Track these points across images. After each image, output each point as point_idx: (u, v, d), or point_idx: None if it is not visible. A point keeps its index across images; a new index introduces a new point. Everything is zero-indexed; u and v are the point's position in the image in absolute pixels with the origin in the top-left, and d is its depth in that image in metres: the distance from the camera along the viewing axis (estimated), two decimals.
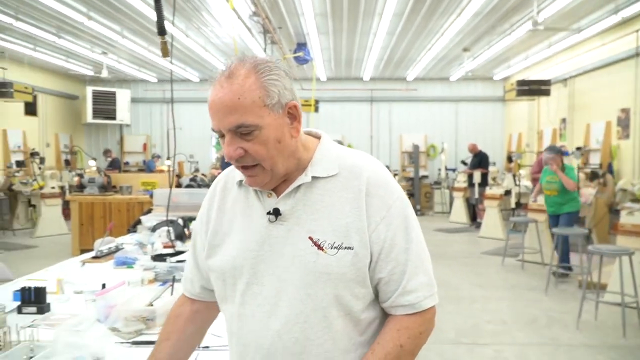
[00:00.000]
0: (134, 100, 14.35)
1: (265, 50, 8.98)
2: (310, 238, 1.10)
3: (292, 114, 1.12)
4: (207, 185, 6.87)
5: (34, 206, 10.33)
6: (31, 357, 1.67)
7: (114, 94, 13.75)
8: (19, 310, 2.38)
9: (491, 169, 11.27)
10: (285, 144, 1.10)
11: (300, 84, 13.36)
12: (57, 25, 8.79)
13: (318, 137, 1.24)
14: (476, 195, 10.73)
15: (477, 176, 10.67)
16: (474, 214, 11.28)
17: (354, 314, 1.13)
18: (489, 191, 9.74)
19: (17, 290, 2.48)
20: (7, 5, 7.57)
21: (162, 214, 4.56)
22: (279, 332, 1.11)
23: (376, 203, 1.12)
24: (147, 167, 13.14)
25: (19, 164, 10.84)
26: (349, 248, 1.09)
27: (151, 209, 5.35)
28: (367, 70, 13.15)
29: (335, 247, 1.09)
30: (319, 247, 1.10)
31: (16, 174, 10.45)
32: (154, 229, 4.05)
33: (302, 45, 9.88)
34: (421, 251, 1.16)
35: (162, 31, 2.46)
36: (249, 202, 1.20)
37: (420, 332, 1.14)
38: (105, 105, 13.63)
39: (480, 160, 11.02)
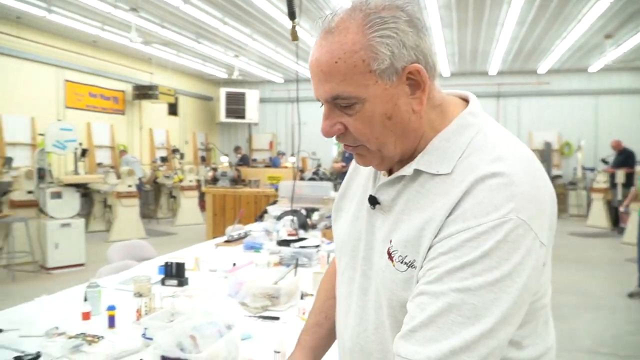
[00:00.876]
0: (262, 100, 15.12)
1: None
2: (390, 241, 0.88)
3: (414, 81, 0.83)
4: (329, 179, 7.04)
5: (174, 197, 11.34)
6: (171, 320, 1.84)
7: (244, 94, 14.61)
8: (163, 282, 2.63)
9: (638, 168, 10.16)
10: (399, 121, 0.84)
11: None
12: (196, 31, 9.55)
13: (465, 102, 0.93)
14: (619, 197, 9.75)
15: (620, 176, 9.69)
16: (616, 218, 10.25)
17: None
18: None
19: (162, 265, 2.74)
20: (154, 14, 8.38)
21: (286, 205, 4.77)
22: (351, 334, 0.98)
23: (467, 207, 0.78)
24: (273, 164, 13.79)
25: (163, 159, 11.96)
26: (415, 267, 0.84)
27: (276, 201, 5.61)
28: (493, 64, 12.54)
29: (405, 263, 0.84)
30: (390, 257, 0.87)
31: (160, 168, 11.55)
32: (279, 218, 4.24)
33: None
34: (484, 297, 0.73)
35: (292, 15, 2.57)
36: (371, 176, 1.00)
37: None
38: (236, 105, 14.54)
39: (625, 158, 10.01)
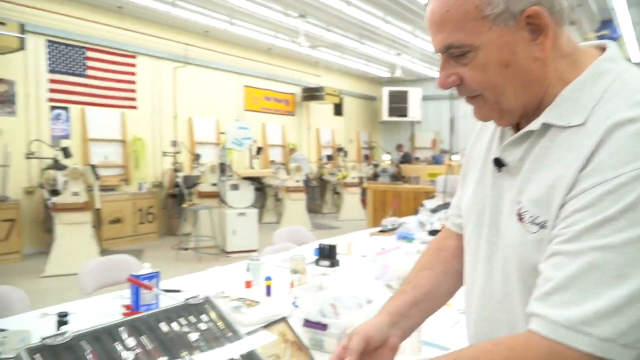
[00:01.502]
0: (424, 98, 14.99)
1: None
2: (519, 202, 0.83)
3: (535, 26, 0.77)
4: None
5: (338, 193, 11.84)
6: (320, 289, 1.98)
7: (406, 93, 14.64)
8: (316, 262, 2.83)
9: None
10: (518, 69, 0.79)
11: None
12: (359, 32, 9.86)
13: (602, 51, 0.84)
14: None
15: None
16: None
17: None
18: None
19: (317, 248, 2.94)
20: (320, 18, 8.87)
21: (443, 200, 4.72)
22: (476, 305, 0.95)
23: (602, 159, 0.71)
24: (435, 162, 13.59)
25: (328, 157, 12.57)
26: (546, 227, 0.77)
27: (434, 196, 5.57)
28: None
29: (536, 224, 0.79)
30: (520, 218, 0.82)
31: (325, 165, 12.15)
32: (434, 211, 4.22)
33: (607, 23, 8.72)
34: (631, 254, 0.67)
35: None
36: (495, 138, 0.95)
37: None
38: (398, 104, 14.63)
39: None
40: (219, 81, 10.43)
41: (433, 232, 3.36)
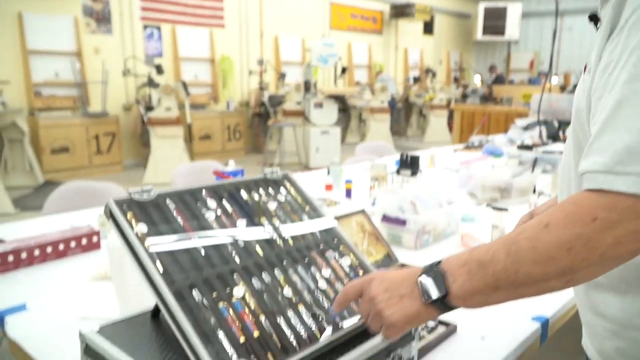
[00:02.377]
0: (524, 15, 13.82)
1: None
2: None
3: None
4: None
5: (424, 116, 11.52)
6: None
7: (504, 9, 13.54)
8: (398, 172, 2.79)
9: None
10: None
11: None
12: None
13: None
14: None
15: None
16: None
17: None
18: None
19: (398, 159, 2.90)
20: None
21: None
22: (559, 173, 0.89)
23: None
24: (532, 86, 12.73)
25: (415, 79, 12.14)
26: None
27: (528, 116, 5.24)
28: None
29: (589, 72, 0.72)
30: (585, 68, 0.76)
31: (412, 87, 11.78)
32: (526, 128, 3.99)
33: None
34: (630, 111, 0.60)
35: None
36: None
37: (593, 218, 0.59)
38: (494, 22, 13.62)
39: None
40: None
41: (523, 147, 3.18)
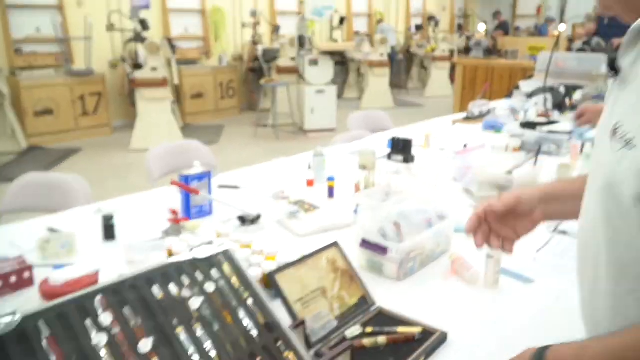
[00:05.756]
0: None
1: None
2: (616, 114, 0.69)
3: None
4: (604, 50, 5.83)
5: (425, 68, 11.09)
6: (385, 200, 1.76)
7: None
8: (389, 157, 2.57)
9: None
10: None
11: None
12: None
13: None
14: None
15: None
16: None
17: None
18: None
19: (391, 139, 2.67)
20: None
21: (543, 80, 4.14)
22: (579, 224, 0.81)
23: None
24: (539, 33, 12.17)
25: (417, 27, 11.60)
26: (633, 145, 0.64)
27: (533, 75, 4.93)
28: None
29: (625, 140, 0.65)
30: (613, 132, 0.68)
31: (414, 37, 11.28)
32: (530, 95, 3.72)
33: None
34: None
35: None
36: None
37: None
38: None
39: None
40: None
41: (526, 125, 2.93)
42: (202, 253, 0.78)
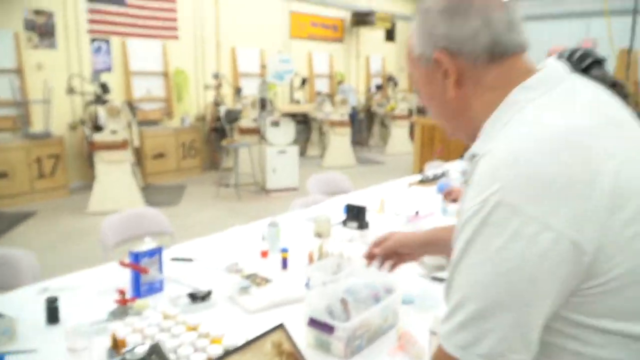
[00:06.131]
0: None
1: None
2: None
3: (442, 68, 0.86)
4: None
5: (386, 126, 11.41)
6: (336, 272, 1.78)
7: None
8: (344, 223, 2.61)
9: None
10: (441, 104, 0.90)
11: None
12: None
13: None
14: None
15: None
16: None
17: None
18: None
19: (347, 205, 2.72)
20: None
21: None
22: None
23: (468, 196, 0.76)
24: None
25: (378, 87, 12.02)
26: None
27: None
28: None
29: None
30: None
31: (374, 96, 11.66)
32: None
33: None
34: (470, 281, 0.74)
35: None
36: None
37: None
38: None
39: None
40: (264, 7, 9.93)
41: None
42: (134, 355, 0.78)
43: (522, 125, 0.76)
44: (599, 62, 1.58)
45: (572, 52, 1.61)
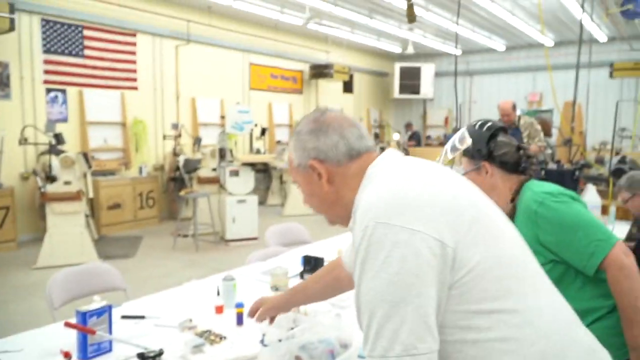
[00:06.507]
0: (437, 75, 14.51)
1: (582, 7, 7.76)
2: None
3: (316, 172, 1.15)
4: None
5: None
6: (292, 328, 1.75)
7: (419, 69, 14.16)
8: (302, 275, 2.60)
9: None
10: (320, 198, 1.19)
11: (630, 43, 11.22)
12: (370, 7, 9.44)
13: None
14: None
15: None
16: None
17: None
18: None
19: (303, 257, 2.71)
20: None
21: None
22: None
23: (355, 236, 1.03)
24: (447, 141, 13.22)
25: None
26: None
27: None
28: None
29: None
30: None
31: None
32: None
33: None
34: (372, 294, 0.93)
35: None
36: None
37: None
38: (410, 81, 14.17)
39: None
40: (223, 59, 10.10)
41: None
42: None
43: (377, 184, 1.04)
44: (503, 130, 1.89)
45: (482, 124, 1.90)
